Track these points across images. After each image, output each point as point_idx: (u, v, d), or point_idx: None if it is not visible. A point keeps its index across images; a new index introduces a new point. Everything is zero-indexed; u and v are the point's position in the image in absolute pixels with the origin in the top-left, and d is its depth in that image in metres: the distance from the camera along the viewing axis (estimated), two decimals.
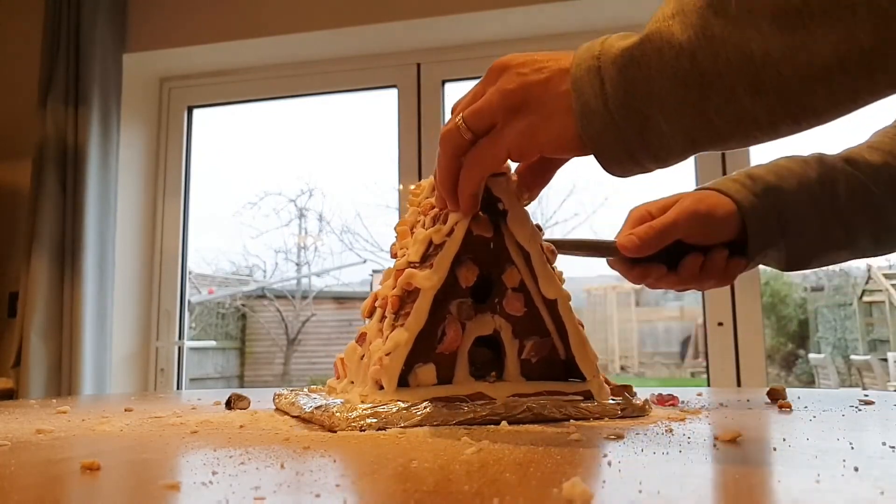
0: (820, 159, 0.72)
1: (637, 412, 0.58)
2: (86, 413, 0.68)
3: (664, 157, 0.45)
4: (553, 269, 0.59)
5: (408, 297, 0.57)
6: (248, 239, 4.66)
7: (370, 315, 0.62)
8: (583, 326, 0.60)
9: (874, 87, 0.37)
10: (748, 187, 0.70)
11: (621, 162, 0.46)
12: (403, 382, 0.55)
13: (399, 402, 0.53)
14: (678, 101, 0.41)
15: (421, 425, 0.52)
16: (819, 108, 0.39)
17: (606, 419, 0.55)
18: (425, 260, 0.57)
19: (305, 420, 0.58)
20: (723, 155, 1.98)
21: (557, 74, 0.47)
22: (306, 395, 0.64)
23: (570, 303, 0.59)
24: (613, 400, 0.58)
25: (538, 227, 0.60)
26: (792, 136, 0.43)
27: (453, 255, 0.56)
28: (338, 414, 0.52)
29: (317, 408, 0.55)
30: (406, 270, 0.57)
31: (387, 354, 0.55)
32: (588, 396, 0.57)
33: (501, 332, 0.58)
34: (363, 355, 0.60)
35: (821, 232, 0.70)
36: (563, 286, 0.59)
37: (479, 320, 0.58)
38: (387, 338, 0.56)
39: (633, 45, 0.43)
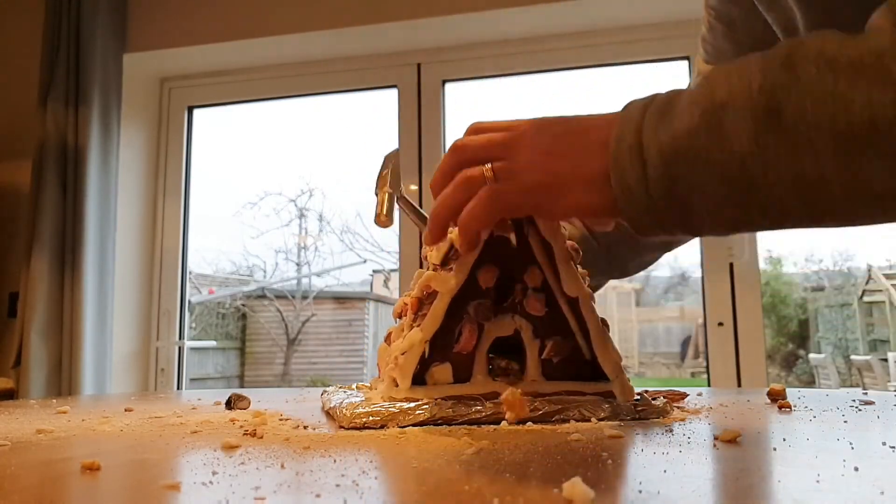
0: None
1: (657, 414, 0.57)
2: (86, 413, 0.68)
3: (699, 234, 0.46)
4: (577, 268, 0.59)
5: (427, 298, 0.58)
6: (248, 239, 4.66)
7: (400, 316, 0.63)
8: (607, 326, 0.60)
9: None
10: None
11: (657, 235, 0.46)
12: (421, 381, 0.56)
13: (406, 401, 0.54)
14: (723, 198, 0.42)
15: (424, 424, 0.52)
16: (866, 225, 0.40)
17: (620, 420, 0.55)
18: (446, 263, 0.58)
19: (329, 416, 0.60)
20: None
21: (596, 145, 0.46)
22: (344, 391, 0.66)
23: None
24: (635, 401, 0.57)
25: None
26: None
27: (474, 258, 0.56)
28: (345, 411, 0.53)
29: (339, 404, 0.57)
30: (426, 273, 0.58)
31: (402, 353, 0.56)
32: (610, 396, 0.57)
33: (522, 332, 0.58)
34: None
35: None
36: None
37: (499, 321, 0.58)
38: (405, 338, 0.57)
39: (680, 135, 0.42)
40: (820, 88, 0.37)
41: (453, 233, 0.57)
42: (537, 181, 0.48)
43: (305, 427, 0.53)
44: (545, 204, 0.49)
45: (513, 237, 0.58)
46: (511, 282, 0.59)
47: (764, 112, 0.39)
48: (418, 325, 0.56)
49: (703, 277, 1.98)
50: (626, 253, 0.81)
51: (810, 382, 4.49)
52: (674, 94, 0.45)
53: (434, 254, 0.60)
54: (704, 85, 0.43)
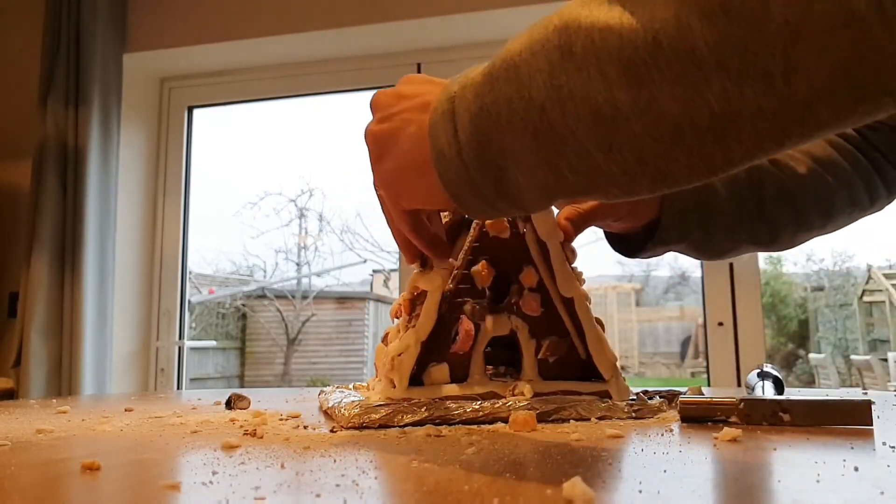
0: None
1: (652, 413, 0.57)
2: (86, 413, 0.68)
3: (525, 208, 0.42)
4: (573, 269, 0.60)
5: (417, 299, 0.58)
6: (248, 239, 4.67)
7: (398, 316, 0.64)
8: (602, 327, 0.60)
9: (729, 156, 0.34)
10: None
11: (482, 211, 0.42)
12: (419, 382, 0.56)
13: (404, 401, 0.54)
14: (530, 154, 0.38)
15: (422, 423, 0.52)
16: (676, 173, 0.35)
17: (615, 419, 0.55)
18: (424, 264, 0.58)
19: (328, 415, 0.60)
20: None
21: (419, 115, 0.45)
22: (342, 391, 0.66)
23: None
24: (630, 401, 0.58)
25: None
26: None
27: (457, 256, 0.57)
28: (344, 412, 0.53)
29: (337, 404, 0.57)
30: (413, 274, 0.58)
31: (399, 355, 0.56)
32: (606, 396, 0.57)
33: (518, 332, 0.59)
34: None
35: (744, 230, 0.70)
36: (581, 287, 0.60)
37: (496, 321, 0.58)
38: (400, 339, 0.58)
39: (485, 91, 0.39)
40: (607, 17, 0.34)
41: None
42: (386, 178, 0.47)
43: (305, 427, 0.53)
44: (397, 196, 0.48)
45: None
46: (507, 282, 0.59)
47: (556, 50, 0.36)
48: (413, 326, 0.57)
49: (702, 277, 1.98)
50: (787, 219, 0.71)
51: (810, 382, 4.49)
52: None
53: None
54: (512, 39, 0.40)
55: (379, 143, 0.47)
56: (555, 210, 0.63)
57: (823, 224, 0.72)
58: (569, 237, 0.63)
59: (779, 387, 0.66)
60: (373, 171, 0.48)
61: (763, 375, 0.68)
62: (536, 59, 0.36)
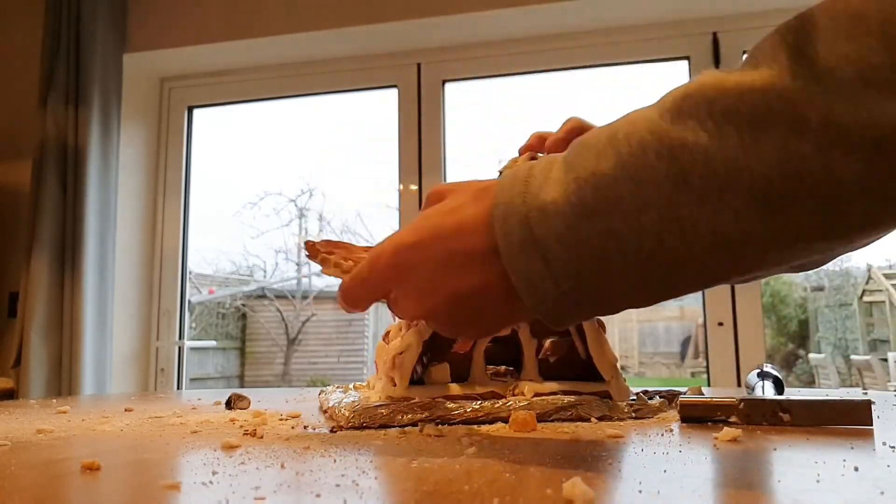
0: None
1: (652, 413, 0.57)
2: (86, 413, 0.68)
3: (616, 311, 0.41)
4: None
5: None
6: (248, 239, 4.67)
7: None
8: (603, 327, 0.60)
9: (851, 248, 0.36)
10: None
11: (576, 323, 0.41)
12: (420, 381, 0.56)
13: (404, 400, 0.54)
14: (641, 279, 0.37)
15: (417, 423, 0.52)
16: (798, 270, 0.37)
17: (615, 419, 0.55)
18: None
19: (328, 415, 0.60)
20: None
21: (476, 255, 0.40)
22: (342, 391, 0.66)
23: None
24: (630, 401, 0.58)
25: None
26: None
27: None
28: (344, 411, 0.53)
29: (337, 404, 0.57)
30: None
31: (399, 353, 0.56)
32: (606, 396, 0.58)
33: (519, 331, 0.59)
34: None
35: None
36: None
37: None
38: (402, 338, 0.57)
39: (581, 223, 0.37)
40: (725, 145, 0.33)
41: None
42: (443, 323, 0.44)
43: (305, 427, 0.53)
44: (459, 334, 0.47)
45: None
46: None
47: (668, 179, 0.34)
48: (415, 325, 0.57)
49: None
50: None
51: (810, 382, 4.49)
52: (548, 170, 0.39)
53: None
54: (584, 154, 0.38)
55: (449, 317, 0.43)
56: None
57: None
58: None
59: (779, 387, 0.66)
60: (441, 328, 0.45)
61: (763, 375, 0.68)
62: (644, 189, 0.35)
